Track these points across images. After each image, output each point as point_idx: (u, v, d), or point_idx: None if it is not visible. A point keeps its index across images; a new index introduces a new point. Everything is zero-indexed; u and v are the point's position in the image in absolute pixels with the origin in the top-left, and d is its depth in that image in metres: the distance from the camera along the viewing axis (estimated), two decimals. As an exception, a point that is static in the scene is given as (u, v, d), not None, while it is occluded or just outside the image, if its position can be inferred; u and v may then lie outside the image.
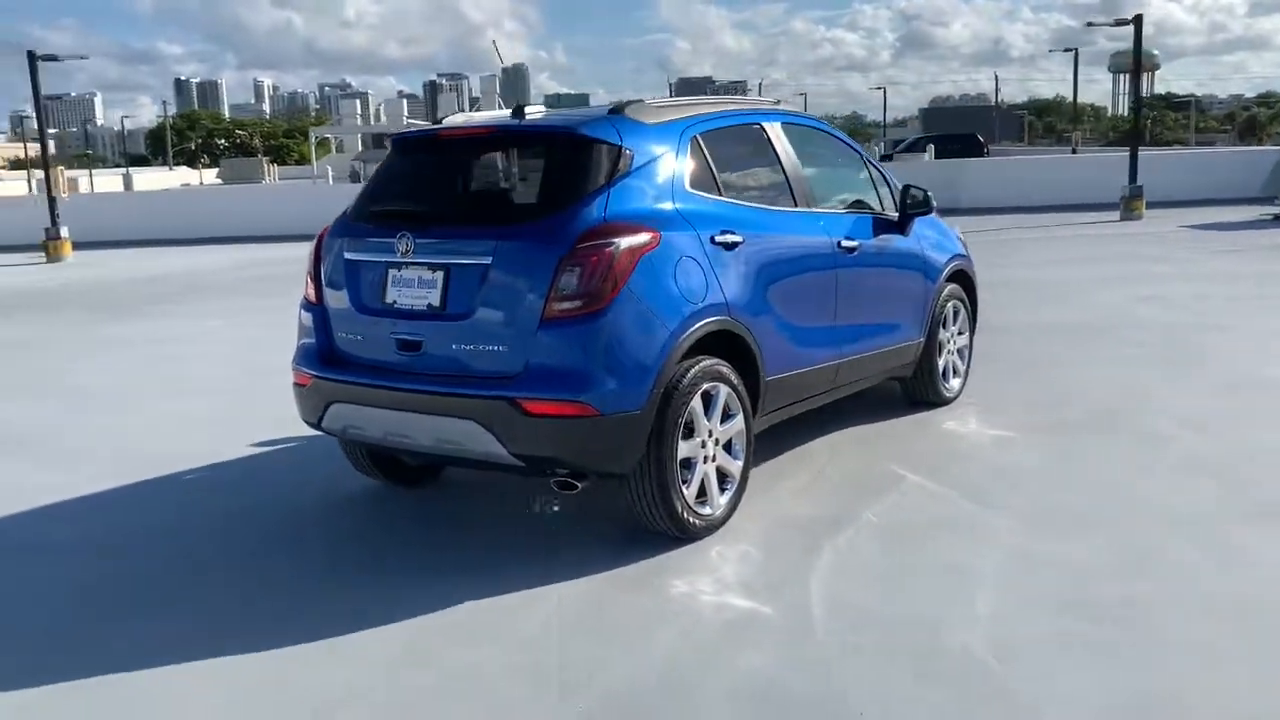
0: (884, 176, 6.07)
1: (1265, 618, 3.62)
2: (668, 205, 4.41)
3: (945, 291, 6.35)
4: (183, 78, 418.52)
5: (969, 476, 5.20)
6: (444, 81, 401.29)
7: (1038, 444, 5.66)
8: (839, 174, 6.07)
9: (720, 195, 4.74)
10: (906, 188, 5.95)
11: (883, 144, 46.43)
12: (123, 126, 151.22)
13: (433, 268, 4.30)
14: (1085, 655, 3.38)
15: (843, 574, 4.10)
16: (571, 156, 4.35)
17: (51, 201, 19.33)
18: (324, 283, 4.67)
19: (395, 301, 4.39)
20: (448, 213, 4.55)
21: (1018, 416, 6.25)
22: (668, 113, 4.75)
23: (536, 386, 4.04)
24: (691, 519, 4.36)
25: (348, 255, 4.58)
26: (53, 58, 19.99)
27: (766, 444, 5.44)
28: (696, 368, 4.31)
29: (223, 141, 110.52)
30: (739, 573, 4.13)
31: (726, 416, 4.56)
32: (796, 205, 5.21)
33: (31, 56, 18.46)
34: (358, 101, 57.20)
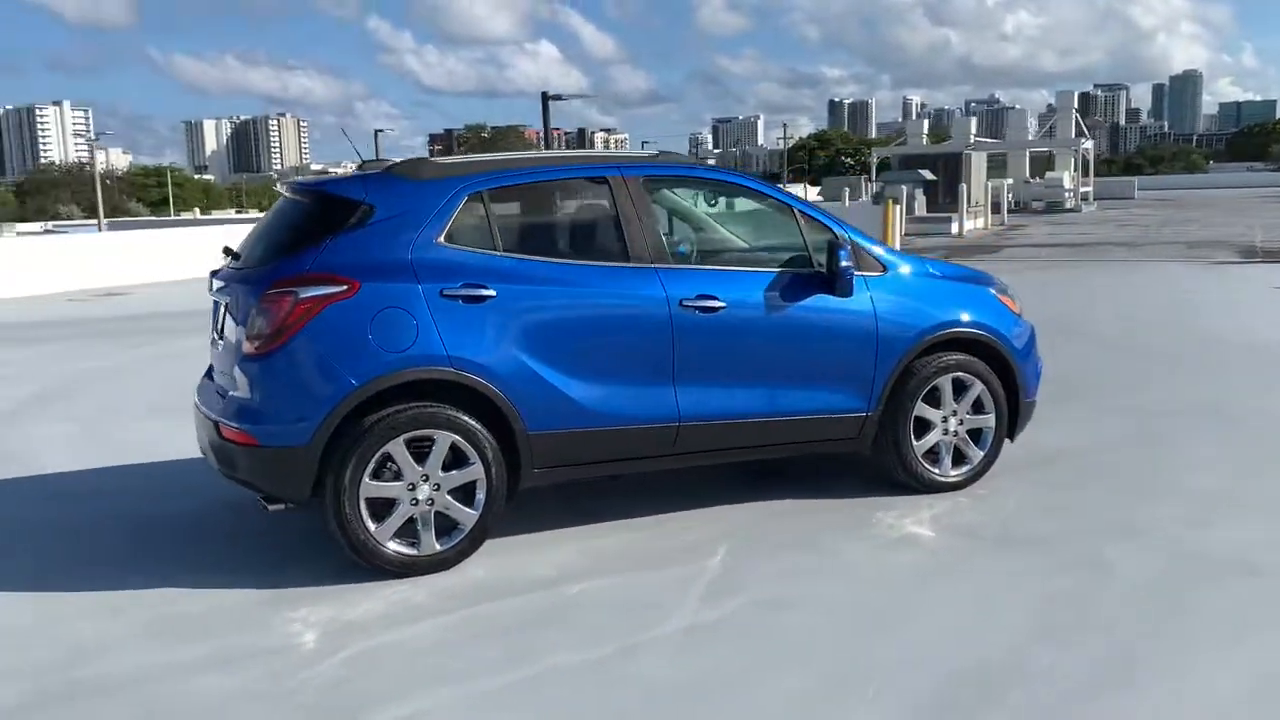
0: (835, 231, 5.50)
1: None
2: (399, 258, 4.69)
3: (929, 362, 5.57)
4: (836, 99, 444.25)
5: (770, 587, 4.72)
6: (1099, 92, 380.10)
7: (944, 567, 4.83)
8: (749, 228, 5.65)
9: (494, 250, 4.86)
10: (831, 244, 5.35)
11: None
12: (781, 145, 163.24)
13: (216, 304, 5.09)
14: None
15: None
16: (313, 210, 4.87)
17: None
18: None
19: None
20: (237, 258, 5.24)
21: (959, 522, 5.34)
22: (454, 170, 4.98)
23: (228, 414, 4.66)
24: (394, 554, 4.62)
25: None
26: (557, 97, 23.31)
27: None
28: (402, 412, 4.57)
29: (849, 160, 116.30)
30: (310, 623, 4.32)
31: (459, 464, 4.71)
32: (632, 260, 5.07)
33: (545, 96, 21.82)
34: (973, 120, 56.31)
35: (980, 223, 34.40)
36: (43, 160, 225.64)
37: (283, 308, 4.53)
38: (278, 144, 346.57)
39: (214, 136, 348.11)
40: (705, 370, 5.16)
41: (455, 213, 4.84)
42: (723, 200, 6.03)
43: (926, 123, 59.53)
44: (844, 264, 5.28)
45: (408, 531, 4.71)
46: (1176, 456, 6.37)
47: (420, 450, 4.67)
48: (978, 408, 5.78)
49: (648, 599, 4.42)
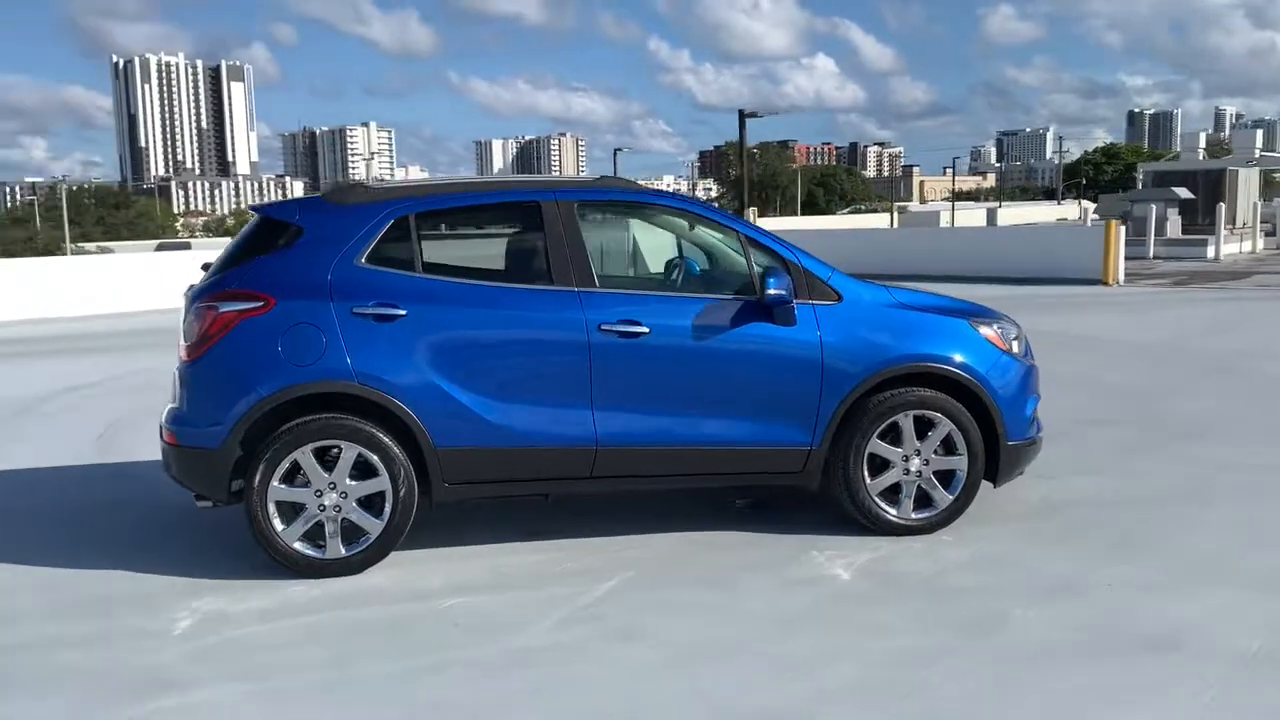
0: (783, 258, 5.35)
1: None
2: (318, 278, 4.99)
3: (887, 398, 5.30)
4: (1136, 109, 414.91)
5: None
6: None
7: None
8: (708, 255, 5.60)
9: (414, 271, 5.08)
10: (764, 273, 5.20)
11: None
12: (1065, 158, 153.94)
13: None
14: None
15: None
16: (258, 230, 5.24)
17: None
18: None
19: None
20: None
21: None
22: (385, 195, 5.23)
23: (165, 418, 5.10)
24: (299, 555, 4.93)
25: None
26: (754, 115, 23.29)
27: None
28: (311, 423, 4.88)
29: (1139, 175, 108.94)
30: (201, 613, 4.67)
31: (367, 475, 4.96)
32: (555, 284, 5.15)
33: (741, 115, 21.94)
34: (1259, 132, 52.01)
35: (1245, 246, 31.31)
36: (351, 175, 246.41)
37: (206, 319, 4.93)
38: (558, 161, 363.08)
39: (501, 155, 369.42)
40: (626, 395, 5.15)
41: (379, 235, 5.09)
42: (699, 227, 5.93)
43: (1226, 134, 54.39)
44: (772, 292, 5.12)
45: (320, 535, 4.98)
46: (1203, 515, 5.71)
47: (331, 460, 4.94)
48: (949, 448, 5.43)
49: (506, 618, 4.48)
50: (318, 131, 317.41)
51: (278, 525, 4.92)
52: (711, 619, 4.45)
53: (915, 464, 5.41)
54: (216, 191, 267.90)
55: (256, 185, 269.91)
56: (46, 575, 5.14)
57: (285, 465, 4.89)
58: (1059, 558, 5.09)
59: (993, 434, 5.45)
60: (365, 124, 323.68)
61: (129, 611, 4.63)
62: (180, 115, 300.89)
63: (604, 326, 5.10)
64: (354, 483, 4.96)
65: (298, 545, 4.95)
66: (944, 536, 5.42)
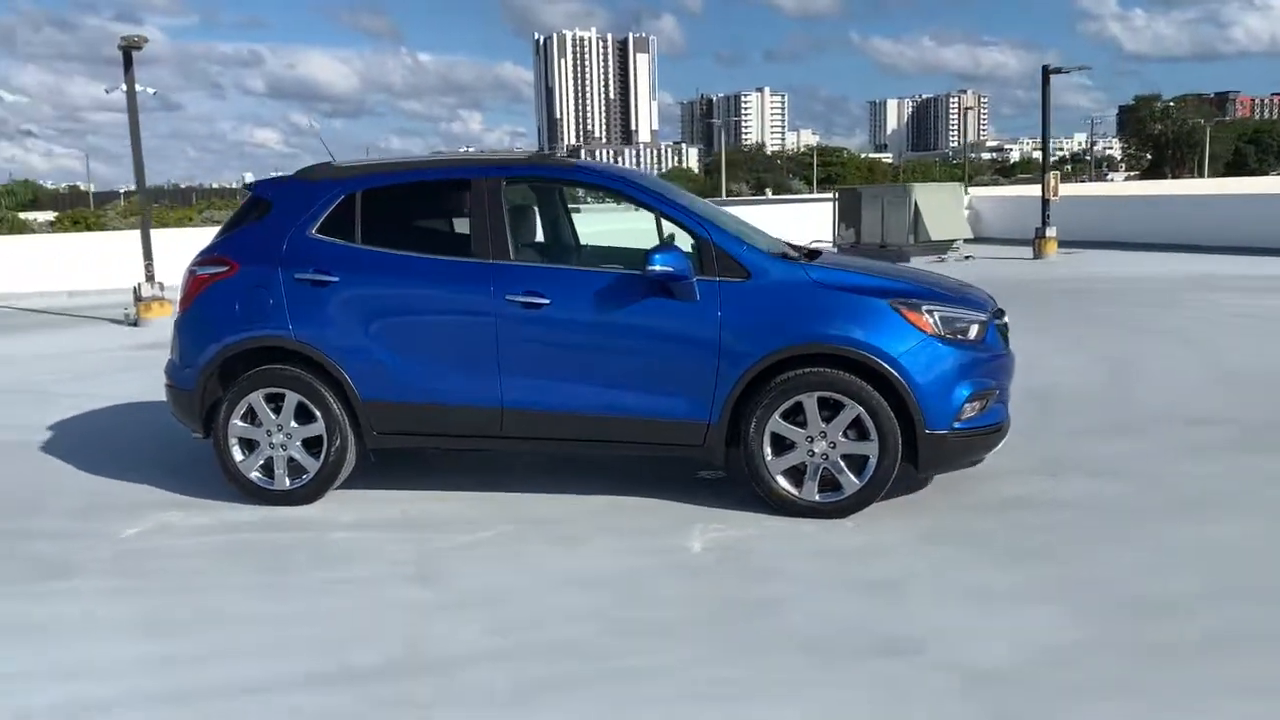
0: (721, 235, 5.45)
1: None
2: (275, 247, 5.77)
3: (789, 377, 5.27)
4: None
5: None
6: None
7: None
8: (602, 230, 5.68)
9: (356, 242, 5.72)
10: (652, 250, 5.29)
11: None
12: None
13: None
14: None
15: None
16: (245, 204, 6.09)
17: (1044, 203, 21.21)
18: None
19: None
20: None
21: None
22: (343, 173, 5.89)
23: (166, 363, 6.12)
24: (253, 484, 5.80)
25: None
26: (1059, 70, 21.47)
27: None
28: (262, 372, 5.71)
29: None
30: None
31: (308, 419, 5.72)
32: (474, 256, 5.58)
33: (1045, 70, 20.45)
34: None
35: None
36: (743, 143, 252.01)
37: (189, 281, 5.88)
38: (956, 121, 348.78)
39: (895, 116, 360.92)
40: (528, 361, 5.49)
41: (330, 210, 5.77)
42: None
43: None
44: (654, 268, 5.22)
45: (274, 469, 5.79)
46: (1150, 536, 5.11)
47: (279, 405, 5.72)
48: (864, 433, 5.27)
49: (361, 554, 5.08)
50: (714, 99, 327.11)
51: (238, 456, 5.78)
52: (521, 573, 4.76)
53: (820, 446, 5.30)
54: (620, 159, 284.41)
55: (655, 152, 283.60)
56: (72, 482, 6.42)
57: (243, 407, 5.73)
58: (933, 559, 4.84)
59: (909, 420, 5.21)
60: (759, 89, 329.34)
61: (104, 516, 5.70)
62: (590, 87, 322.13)
63: (509, 297, 5.47)
64: (297, 425, 5.72)
65: (253, 475, 5.78)
66: (847, 523, 5.29)
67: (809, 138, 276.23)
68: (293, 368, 5.68)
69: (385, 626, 4.22)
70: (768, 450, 5.35)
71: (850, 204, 23.08)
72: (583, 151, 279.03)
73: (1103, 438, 6.82)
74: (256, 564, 4.97)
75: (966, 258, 21.31)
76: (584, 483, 5.98)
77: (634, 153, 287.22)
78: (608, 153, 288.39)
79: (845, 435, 5.29)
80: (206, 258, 5.89)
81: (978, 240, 25.97)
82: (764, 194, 76.71)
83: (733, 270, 5.38)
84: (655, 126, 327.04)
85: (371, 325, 5.61)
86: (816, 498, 5.35)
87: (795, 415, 5.32)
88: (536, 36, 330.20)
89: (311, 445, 5.74)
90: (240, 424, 5.76)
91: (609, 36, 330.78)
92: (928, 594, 4.41)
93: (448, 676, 3.80)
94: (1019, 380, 8.53)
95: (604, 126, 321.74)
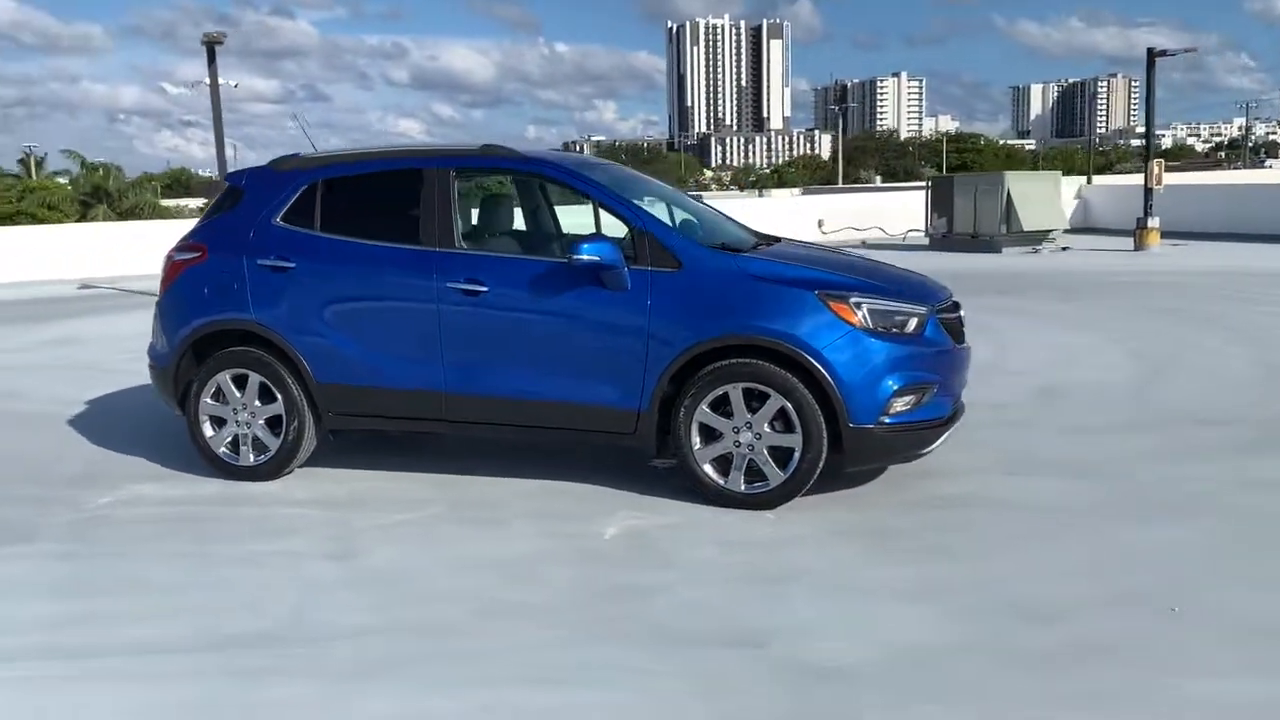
0: (656, 225, 5.50)
1: None
2: (243, 234, 6.03)
3: (716, 368, 5.27)
4: None
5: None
6: None
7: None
8: (546, 218, 5.75)
9: (315, 230, 5.93)
10: (576, 243, 5.35)
11: None
12: None
13: None
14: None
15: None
16: (222, 193, 6.37)
17: (1146, 193, 20.31)
18: None
19: None
20: None
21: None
22: (308, 163, 6.11)
23: (149, 344, 6.46)
24: (220, 459, 6.09)
25: None
26: (1164, 53, 20.44)
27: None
28: (223, 352, 6.00)
29: None
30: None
31: (268, 399, 5.98)
32: (422, 244, 5.73)
33: (1150, 53, 19.58)
34: None
35: None
36: (878, 129, 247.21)
37: (167, 265, 6.20)
38: (1104, 106, 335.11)
39: (1039, 101, 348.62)
40: (467, 348, 5.62)
41: (294, 199, 6.00)
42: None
43: None
44: (578, 257, 5.28)
45: (244, 445, 6.07)
46: (1066, 543, 4.93)
47: (244, 385, 5.99)
48: (789, 425, 5.24)
49: (296, 530, 5.28)
50: (848, 84, 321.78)
51: (208, 432, 6.08)
52: (430, 553, 4.89)
53: (746, 437, 5.29)
54: (750, 146, 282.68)
55: (787, 140, 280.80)
56: (77, 452, 6.85)
57: (213, 386, 6.02)
58: (835, 554, 4.79)
59: (832, 408, 5.16)
60: (896, 74, 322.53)
61: (88, 485, 6.07)
62: (722, 74, 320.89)
63: (450, 284, 5.61)
64: (260, 405, 5.98)
65: (221, 451, 6.07)
66: (769, 515, 5.26)
67: (947, 123, 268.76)
68: (255, 350, 5.94)
69: (281, 599, 4.40)
70: (696, 439, 5.35)
71: (943, 193, 22.51)
72: (713, 139, 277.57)
73: (1095, 436, 6.57)
74: (196, 534, 5.23)
75: (1063, 249, 20.57)
76: (535, 468, 6.08)
77: (765, 140, 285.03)
78: (738, 140, 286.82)
79: (771, 427, 5.25)
80: (183, 244, 6.20)
81: (1086, 231, 25.07)
82: (873, 181, 75.26)
83: (665, 260, 5.39)
84: (788, 113, 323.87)
85: (325, 310, 5.82)
86: (742, 488, 5.33)
87: (723, 406, 5.31)
88: (669, 24, 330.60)
89: (274, 424, 5.98)
90: (210, 402, 6.05)
91: (742, 23, 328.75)
92: (810, 589, 4.37)
93: (316, 648, 3.95)
94: (1038, 374, 8.34)
95: (735, 114, 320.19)
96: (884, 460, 5.43)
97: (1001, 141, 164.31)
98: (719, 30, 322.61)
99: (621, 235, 5.56)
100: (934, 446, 5.43)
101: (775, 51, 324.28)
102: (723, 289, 5.33)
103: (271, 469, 6.03)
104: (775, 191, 59.05)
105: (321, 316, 5.82)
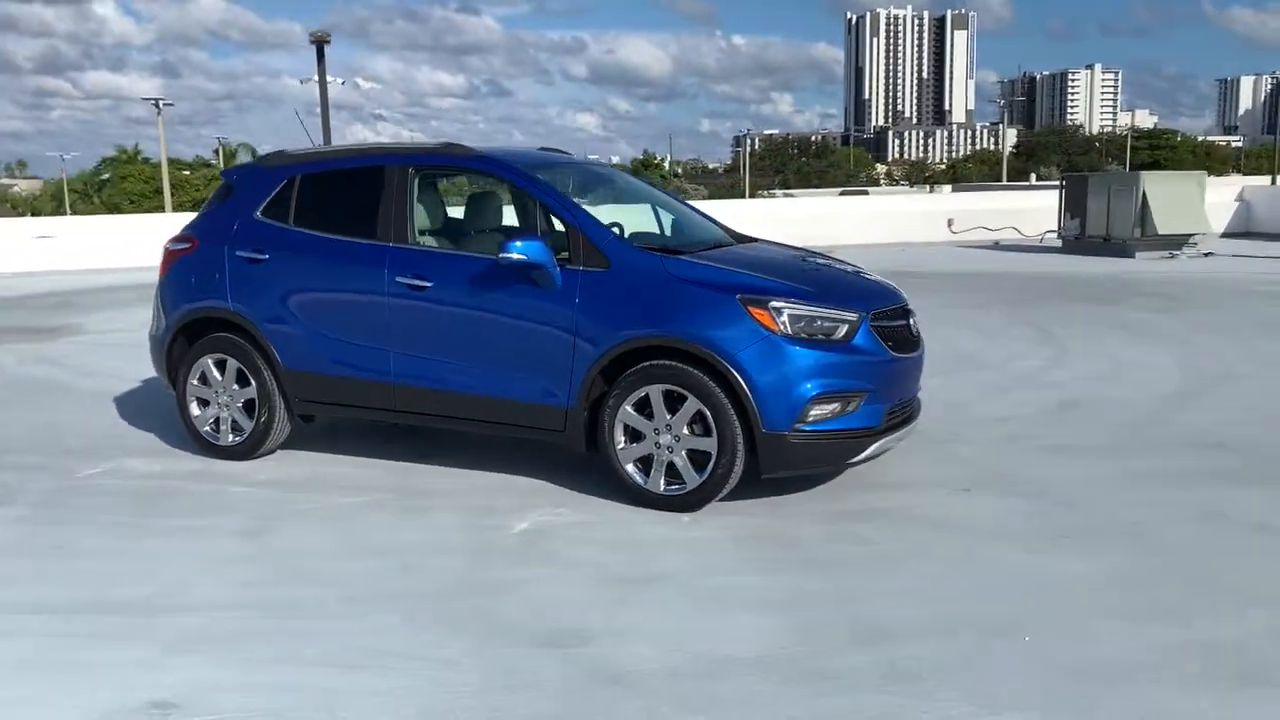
0: (589, 224, 5.58)
1: None
2: (228, 227, 6.41)
3: (639, 370, 5.31)
4: None
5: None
6: None
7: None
8: (491, 217, 5.88)
9: (288, 224, 6.25)
10: (504, 240, 5.46)
11: None
12: None
13: None
14: None
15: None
16: (219, 188, 6.75)
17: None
18: None
19: None
20: None
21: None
22: (290, 159, 6.43)
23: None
24: (203, 438, 6.50)
25: None
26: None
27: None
28: (206, 338, 6.40)
29: None
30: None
31: (244, 383, 6.35)
32: (381, 239, 5.95)
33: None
34: None
35: None
36: (1068, 123, 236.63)
37: (163, 255, 6.64)
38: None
39: (1249, 95, 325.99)
40: (412, 341, 5.83)
41: (274, 193, 6.34)
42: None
43: None
44: (507, 256, 5.39)
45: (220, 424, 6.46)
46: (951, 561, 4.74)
47: (224, 369, 6.38)
48: (707, 428, 5.23)
49: (233, 504, 5.60)
50: (1037, 76, 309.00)
51: (195, 411, 6.50)
52: (338, 538, 5.10)
53: (666, 439, 5.30)
54: (930, 140, 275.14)
55: (970, 134, 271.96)
56: (95, 425, 7.41)
57: (198, 369, 6.43)
58: (711, 561, 4.77)
59: (747, 412, 5.13)
60: (1089, 66, 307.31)
61: (86, 457, 6.57)
62: (902, 66, 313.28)
63: (398, 279, 5.82)
64: (237, 389, 6.35)
65: (205, 430, 6.48)
66: (683, 518, 5.27)
67: (1145, 119, 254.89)
68: (233, 336, 6.30)
69: (176, 570, 4.69)
70: (620, 439, 5.40)
71: (1076, 193, 21.43)
72: (890, 133, 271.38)
73: (1080, 457, 6.26)
74: (146, 507, 5.60)
75: (1205, 255, 19.33)
76: (501, 462, 6.20)
77: (945, 134, 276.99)
78: (917, 134, 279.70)
79: (691, 430, 5.25)
80: (178, 235, 6.64)
81: (1246, 236, 23.49)
82: (1052, 178, 71.86)
83: (595, 260, 5.45)
84: (971, 106, 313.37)
85: (291, 300, 6.13)
86: (662, 489, 5.35)
87: (646, 407, 5.33)
88: (849, 16, 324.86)
89: (249, 408, 6.34)
90: (195, 384, 6.46)
91: (925, 14, 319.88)
92: (666, 593, 4.37)
93: (170, 617, 4.18)
94: (1069, 388, 7.96)
95: (915, 107, 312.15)
96: (804, 468, 5.33)
97: (1201, 138, 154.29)
98: (900, 21, 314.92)
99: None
100: (863, 457, 5.31)
101: (960, 42, 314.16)
102: (647, 290, 5.35)
103: (247, 449, 6.38)
104: (944, 188, 57.52)
105: (289, 306, 6.13)
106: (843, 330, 5.25)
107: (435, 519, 5.36)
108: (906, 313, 5.65)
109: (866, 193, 52.07)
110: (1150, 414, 7.28)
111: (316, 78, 15.25)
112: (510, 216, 6.81)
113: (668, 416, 5.28)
